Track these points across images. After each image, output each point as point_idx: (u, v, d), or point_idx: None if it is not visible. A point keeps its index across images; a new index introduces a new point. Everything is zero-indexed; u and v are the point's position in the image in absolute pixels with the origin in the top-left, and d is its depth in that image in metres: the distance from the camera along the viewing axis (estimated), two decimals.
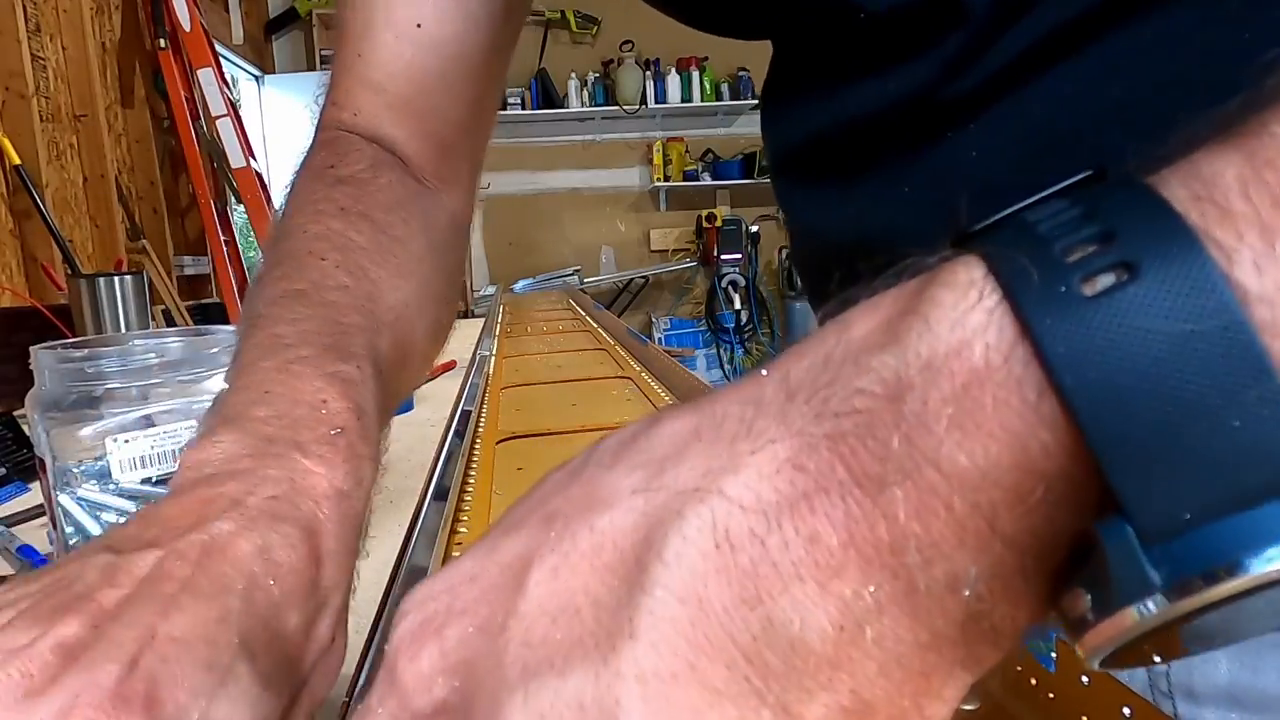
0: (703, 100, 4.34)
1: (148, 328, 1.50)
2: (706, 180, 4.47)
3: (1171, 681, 0.37)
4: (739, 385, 0.15)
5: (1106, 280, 0.11)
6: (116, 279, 1.45)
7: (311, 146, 0.45)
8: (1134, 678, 0.38)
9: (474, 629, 0.16)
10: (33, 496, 0.76)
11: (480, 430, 0.89)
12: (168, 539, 0.24)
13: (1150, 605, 0.11)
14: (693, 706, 0.13)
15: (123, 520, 0.34)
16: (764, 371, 0.15)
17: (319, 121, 0.46)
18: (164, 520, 0.25)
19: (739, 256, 4.34)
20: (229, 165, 2.82)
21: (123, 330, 1.41)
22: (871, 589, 0.12)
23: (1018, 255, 0.12)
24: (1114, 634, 0.12)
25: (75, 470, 0.45)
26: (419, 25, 0.43)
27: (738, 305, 4.36)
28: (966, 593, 0.12)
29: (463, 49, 0.45)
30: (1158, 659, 0.13)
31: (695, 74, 4.31)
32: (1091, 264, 0.11)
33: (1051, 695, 0.34)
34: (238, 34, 3.60)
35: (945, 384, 0.12)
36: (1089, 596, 0.12)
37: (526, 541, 0.17)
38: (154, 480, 0.46)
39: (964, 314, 0.12)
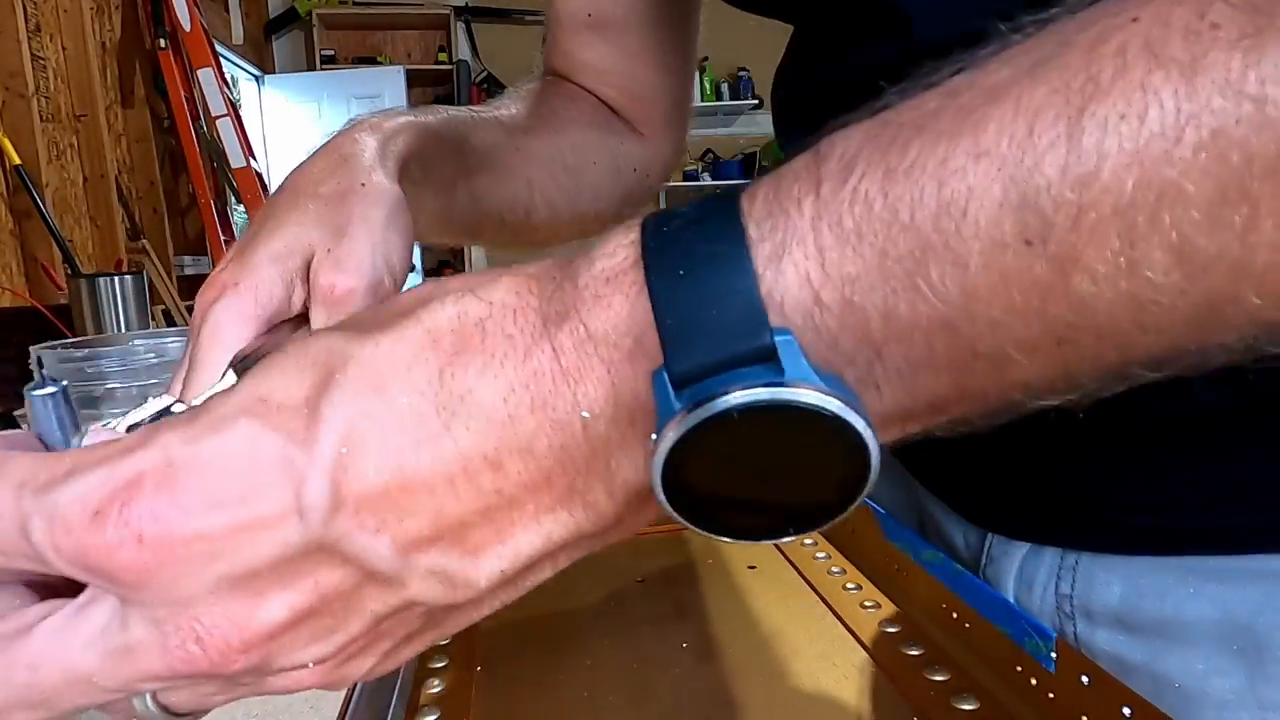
0: (703, 100, 4.34)
1: (147, 328, 1.51)
2: (706, 180, 4.47)
3: (1074, 604, 0.39)
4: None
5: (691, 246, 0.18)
6: (116, 279, 1.46)
7: (525, 87, 0.58)
8: (1044, 603, 0.40)
9: None
10: None
11: None
12: None
13: (676, 426, 0.17)
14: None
15: None
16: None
17: (541, 69, 0.60)
18: None
19: None
20: (229, 165, 2.82)
21: (123, 330, 1.41)
22: (531, 386, 0.18)
23: (658, 233, 0.19)
24: (662, 448, 0.17)
25: None
26: None
27: None
28: (585, 415, 0.18)
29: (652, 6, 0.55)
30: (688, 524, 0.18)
31: (695, 74, 4.32)
32: (681, 236, 0.18)
33: (1051, 695, 0.34)
34: (238, 34, 3.60)
35: (597, 278, 0.19)
36: (654, 436, 0.17)
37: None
38: None
39: (616, 248, 0.19)
